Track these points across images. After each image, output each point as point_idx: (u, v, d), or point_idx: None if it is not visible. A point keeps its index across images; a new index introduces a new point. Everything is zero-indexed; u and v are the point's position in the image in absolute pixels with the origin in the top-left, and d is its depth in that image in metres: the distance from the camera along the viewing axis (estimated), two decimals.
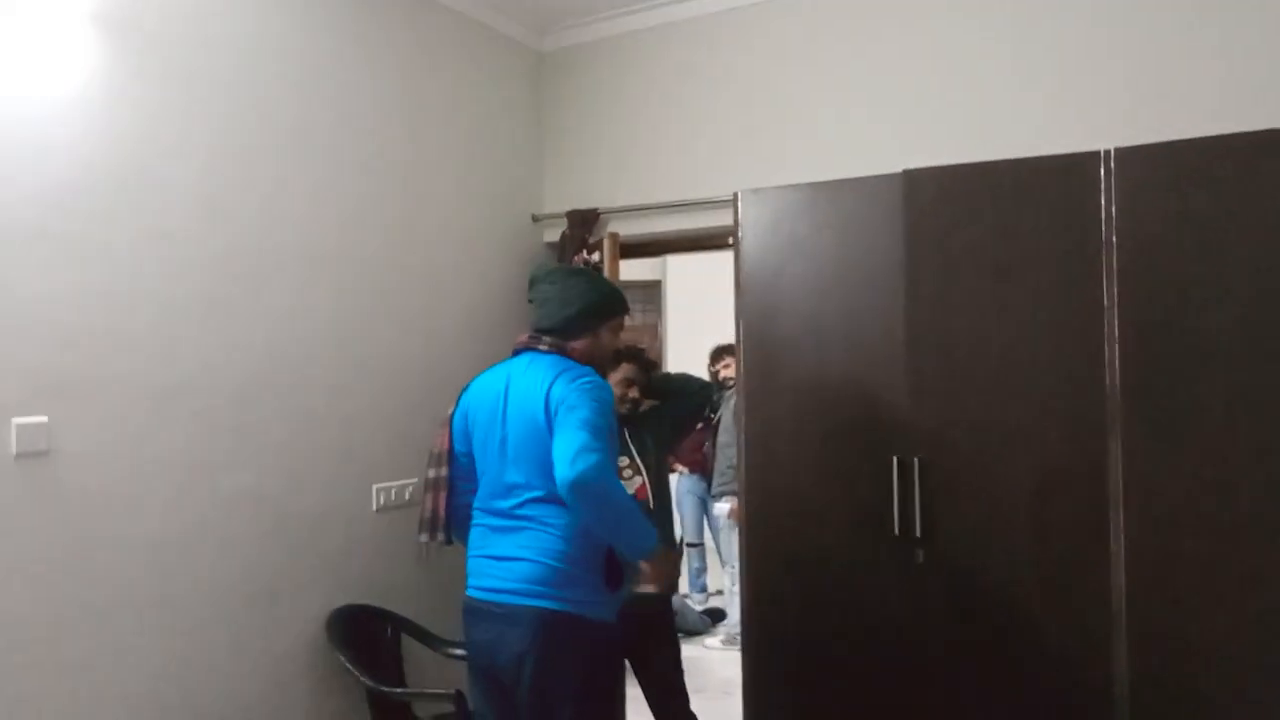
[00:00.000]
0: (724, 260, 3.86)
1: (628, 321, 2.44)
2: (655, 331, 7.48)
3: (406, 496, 3.13)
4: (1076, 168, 2.24)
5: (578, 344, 2.24)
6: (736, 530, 4.39)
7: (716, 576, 5.45)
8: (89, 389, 2.28)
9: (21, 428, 2.14)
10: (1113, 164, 2.20)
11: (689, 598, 5.45)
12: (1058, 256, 2.26)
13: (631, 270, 3.64)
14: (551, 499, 2.06)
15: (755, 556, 2.60)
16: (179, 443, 2.48)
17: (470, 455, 2.25)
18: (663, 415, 3.01)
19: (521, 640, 2.05)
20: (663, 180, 3.58)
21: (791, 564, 2.58)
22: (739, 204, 2.65)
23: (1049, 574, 2.26)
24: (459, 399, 2.30)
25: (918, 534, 2.38)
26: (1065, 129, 2.79)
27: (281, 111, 2.78)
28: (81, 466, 2.26)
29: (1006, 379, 2.31)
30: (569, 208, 3.73)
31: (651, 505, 2.82)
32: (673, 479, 3.80)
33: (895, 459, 2.39)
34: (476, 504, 2.23)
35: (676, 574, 2.17)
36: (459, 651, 2.81)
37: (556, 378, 2.11)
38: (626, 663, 2.85)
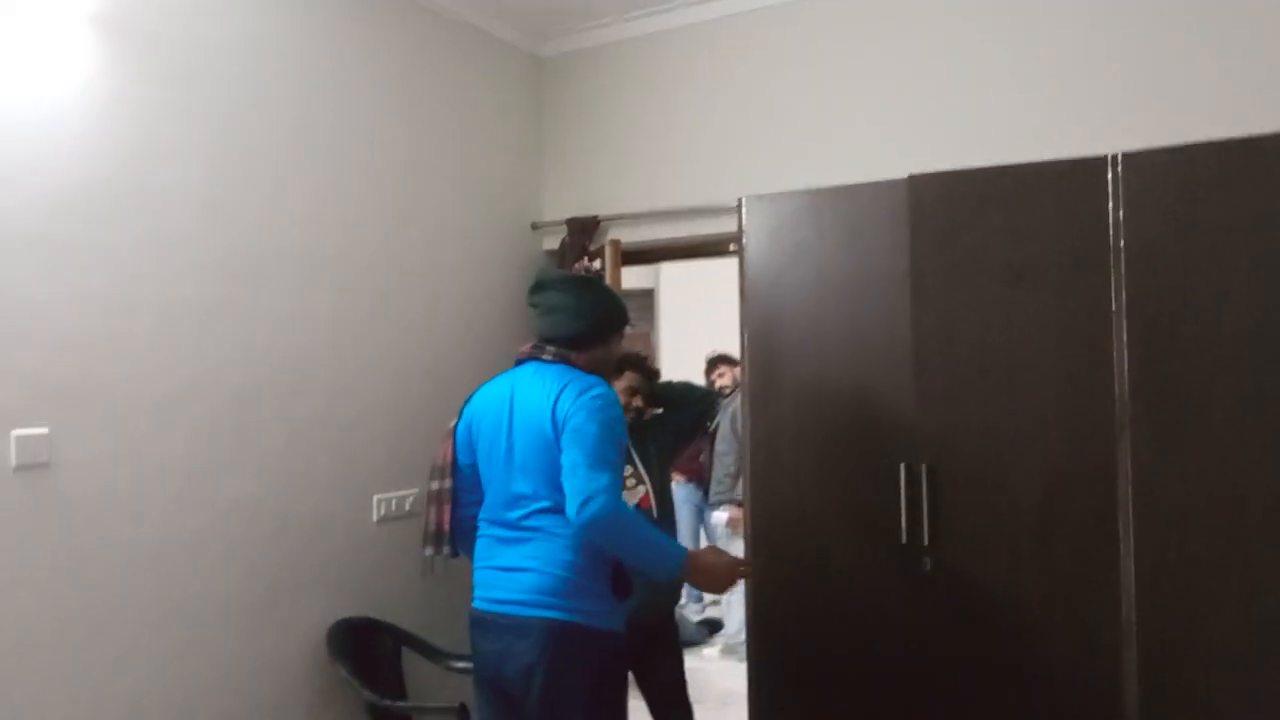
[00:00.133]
0: (718, 268, 3.87)
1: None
2: (648, 340, 7.46)
3: (407, 507, 3.10)
4: (1083, 172, 2.23)
5: (585, 354, 2.22)
6: (735, 538, 4.40)
7: None
8: (89, 396, 2.26)
9: (21, 440, 2.11)
10: (1120, 168, 2.19)
11: (685, 607, 5.42)
12: (1065, 261, 2.25)
13: (626, 279, 3.63)
14: (558, 509, 2.03)
15: (759, 564, 2.58)
16: (179, 450, 2.45)
17: (474, 467, 2.23)
18: (666, 424, 2.99)
19: (530, 652, 2.02)
20: (664, 187, 3.57)
21: (796, 571, 2.55)
22: (743, 209, 2.64)
23: (1057, 580, 2.24)
24: (462, 411, 2.28)
25: (925, 541, 2.36)
26: (1067, 133, 2.80)
27: (281, 118, 2.76)
28: (81, 476, 2.23)
29: (1013, 384, 2.30)
30: (569, 215, 3.71)
31: (655, 514, 2.80)
32: None
33: (903, 466, 2.38)
34: (482, 515, 2.21)
35: (733, 568, 2.14)
36: (461, 664, 2.78)
37: (564, 388, 2.09)
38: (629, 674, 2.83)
